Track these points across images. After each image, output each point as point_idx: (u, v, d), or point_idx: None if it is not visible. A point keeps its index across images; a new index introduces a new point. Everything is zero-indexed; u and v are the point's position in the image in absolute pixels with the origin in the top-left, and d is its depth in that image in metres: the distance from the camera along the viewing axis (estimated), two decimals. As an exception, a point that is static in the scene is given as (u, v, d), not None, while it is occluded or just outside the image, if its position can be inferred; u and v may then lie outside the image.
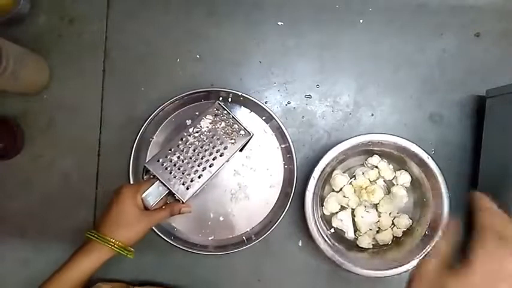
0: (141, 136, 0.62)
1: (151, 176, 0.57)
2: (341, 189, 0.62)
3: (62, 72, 0.65)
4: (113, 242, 0.50)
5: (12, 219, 0.65)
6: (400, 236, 0.62)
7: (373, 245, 0.62)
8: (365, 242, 0.61)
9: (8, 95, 0.64)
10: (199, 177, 0.57)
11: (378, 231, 0.62)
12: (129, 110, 0.65)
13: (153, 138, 0.64)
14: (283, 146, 0.64)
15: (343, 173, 0.63)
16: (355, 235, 0.62)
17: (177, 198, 0.57)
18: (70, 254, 0.51)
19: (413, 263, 0.57)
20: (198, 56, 0.65)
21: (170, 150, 0.57)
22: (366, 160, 0.63)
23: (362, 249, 0.62)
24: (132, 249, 0.53)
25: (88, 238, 0.51)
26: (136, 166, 0.62)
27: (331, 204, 0.61)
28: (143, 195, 0.54)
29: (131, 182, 0.62)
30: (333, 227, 0.62)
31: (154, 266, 0.64)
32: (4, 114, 0.63)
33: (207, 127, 0.58)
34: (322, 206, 0.62)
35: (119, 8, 0.66)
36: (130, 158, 0.62)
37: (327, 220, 0.63)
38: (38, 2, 0.65)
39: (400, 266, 0.57)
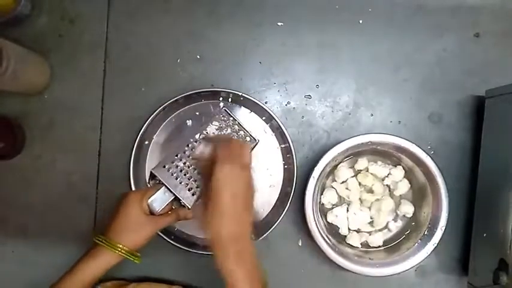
0: (142, 136, 0.62)
1: (157, 182, 0.57)
2: (343, 182, 0.62)
3: (62, 72, 0.65)
4: (120, 248, 0.50)
5: (12, 219, 0.65)
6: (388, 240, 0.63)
7: (361, 244, 0.62)
8: (353, 239, 0.61)
9: (9, 95, 0.64)
10: None
11: (370, 233, 0.63)
12: (129, 110, 0.65)
13: (153, 139, 0.64)
14: (283, 146, 0.64)
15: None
16: (348, 232, 0.63)
17: (182, 204, 0.57)
18: (71, 255, 0.51)
19: (414, 262, 0.58)
20: (198, 56, 0.65)
21: (176, 156, 0.57)
22: (355, 164, 0.63)
23: (352, 246, 0.62)
24: (138, 254, 0.53)
25: (96, 243, 0.52)
26: (136, 166, 0.63)
27: (330, 195, 0.62)
28: (149, 200, 0.55)
29: (131, 181, 0.62)
30: (328, 222, 0.62)
31: (155, 266, 0.64)
32: (4, 114, 0.63)
33: (213, 133, 0.58)
34: (321, 202, 0.62)
35: (120, 8, 0.66)
36: (130, 158, 0.62)
37: (325, 215, 0.63)
38: (38, 2, 0.65)
39: (399, 265, 0.58)
